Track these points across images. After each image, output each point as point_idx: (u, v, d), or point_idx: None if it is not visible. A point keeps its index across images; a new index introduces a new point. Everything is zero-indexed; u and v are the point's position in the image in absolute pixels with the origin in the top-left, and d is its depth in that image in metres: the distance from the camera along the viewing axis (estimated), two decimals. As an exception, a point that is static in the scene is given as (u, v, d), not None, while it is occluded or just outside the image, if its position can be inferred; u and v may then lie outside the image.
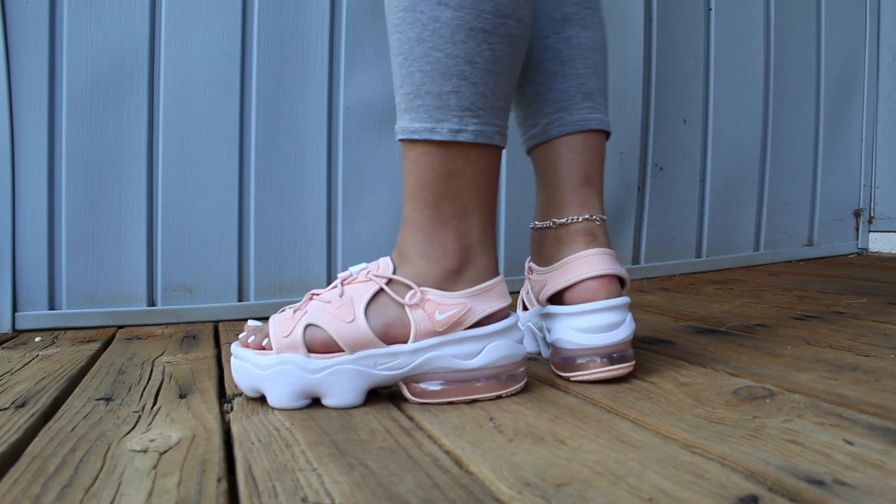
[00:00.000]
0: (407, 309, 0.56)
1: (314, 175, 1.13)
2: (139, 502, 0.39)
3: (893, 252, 1.63)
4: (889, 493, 0.36)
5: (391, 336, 0.56)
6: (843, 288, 1.13)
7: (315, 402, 0.57)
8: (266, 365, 0.56)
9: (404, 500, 0.38)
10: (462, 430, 0.50)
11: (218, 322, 1.07)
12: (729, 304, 1.03)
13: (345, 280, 0.59)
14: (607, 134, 0.69)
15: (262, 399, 0.58)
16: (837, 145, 1.64)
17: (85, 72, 1.01)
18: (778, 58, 1.53)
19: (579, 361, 0.61)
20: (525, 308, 0.77)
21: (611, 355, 0.60)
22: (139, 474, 0.43)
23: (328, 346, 0.56)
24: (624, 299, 0.62)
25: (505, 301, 0.59)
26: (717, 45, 1.46)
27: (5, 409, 0.58)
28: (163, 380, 0.69)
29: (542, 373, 0.66)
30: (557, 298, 0.65)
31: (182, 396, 0.62)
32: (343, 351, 0.56)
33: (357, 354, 0.56)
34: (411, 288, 0.56)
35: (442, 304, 0.56)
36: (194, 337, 0.94)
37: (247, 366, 0.57)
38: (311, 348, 0.56)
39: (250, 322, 0.62)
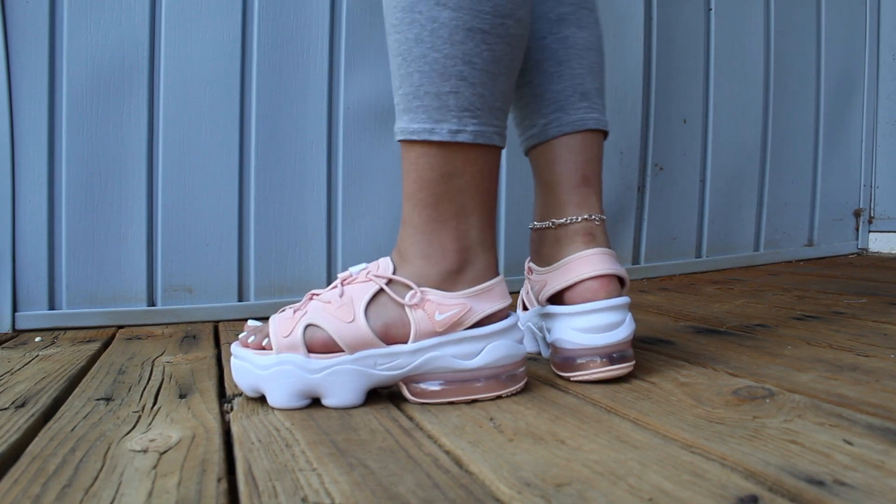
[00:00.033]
0: (407, 309, 0.56)
1: (314, 175, 1.13)
2: (139, 502, 0.39)
3: (893, 252, 1.63)
4: (889, 493, 0.36)
5: (391, 336, 0.56)
6: (843, 288, 1.13)
7: (315, 402, 0.57)
8: (266, 365, 0.56)
9: (404, 500, 0.38)
10: (462, 430, 0.50)
11: (218, 322, 1.07)
12: (729, 304, 1.03)
13: (345, 280, 0.59)
14: (605, 133, 0.69)
15: (262, 399, 0.58)
16: (837, 145, 1.64)
17: (85, 72, 1.01)
18: (778, 58, 1.53)
19: (579, 361, 0.61)
20: (525, 308, 0.77)
21: (611, 355, 0.60)
22: (139, 474, 0.43)
23: (328, 347, 0.56)
24: (624, 299, 0.62)
25: (505, 301, 0.59)
26: (717, 45, 1.46)
27: (5, 409, 0.58)
28: (163, 380, 0.69)
29: (542, 373, 0.66)
30: (557, 298, 0.65)
31: (182, 396, 0.62)
32: (343, 351, 0.56)
33: (357, 354, 0.56)
34: (411, 288, 0.56)
35: (442, 305, 0.56)
36: (194, 337, 0.94)
37: (247, 366, 0.57)
38: (311, 348, 0.56)
39: (250, 322, 0.62)
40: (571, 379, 0.62)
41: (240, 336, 0.61)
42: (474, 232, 0.58)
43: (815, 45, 1.59)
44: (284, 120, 1.11)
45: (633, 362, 0.62)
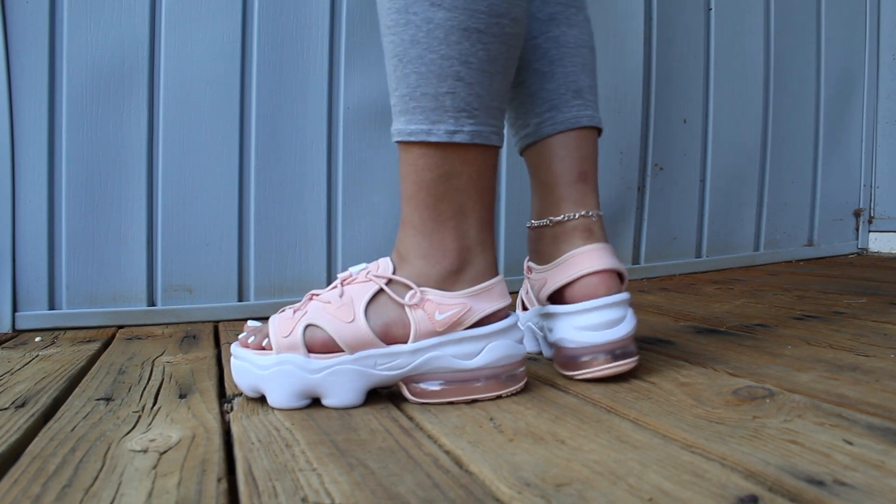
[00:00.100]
0: (407, 309, 0.56)
1: (314, 175, 1.13)
2: (139, 502, 0.39)
3: (893, 252, 1.63)
4: (889, 493, 0.36)
5: (391, 336, 0.56)
6: (843, 288, 1.13)
7: (315, 402, 0.57)
8: (266, 365, 0.56)
9: (404, 500, 0.38)
10: (462, 430, 0.50)
11: (218, 322, 1.07)
12: (729, 304, 1.03)
13: (344, 280, 0.59)
14: (599, 130, 0.69)
15: (262, 399, 0.58)
16: (837, 145, 1.64)
17: (85, 72, 1.01)
18: (778, 58, 1.53)
19: (583, 359, 0.61)
20: (525, 308, 0.77)
21: (613, 352, 0.60)
22: (139, 474, 0.43)
23: (328, 347, 0.56)
24: (625, 295, 0.62)
25: (505, 301, 0.59)
26: (717, 45, 1.46)
27: (5, 409, 0.58)
28: (163, 380, 0.69)
29: (542, 373, 0.66)
30: (558, 296, 0.65)
31: (182, 396, 0.62)
32: (343, 351, 0.56)
33: (357, 354, 0.56)
34: (411, 288, 0.56)
35: (442, 305, 0.56)
36: (194, 337, 0.94)
37: (247, 366, 0.57)
38: (311, 348, 0.56)
39: (250, 322, 0.62)
40: (576, 378, 0.61)
41: (239, 336, 0.61)
42: (473, 232, 0.58)
43: (815, 45, 1.59)
44: (284, 120, 1.11)
45: (637, 357, 0.62)
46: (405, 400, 0.58)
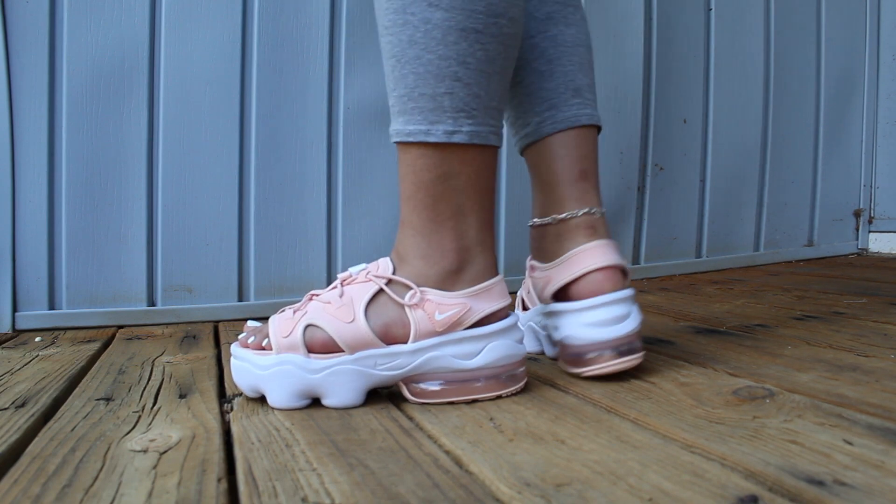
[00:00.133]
0: (407, 309, 0.56)
1: (314, 175, 1.13)
2: (139, 502, 0.39)
3: (893, 252, 1.63)
4: (889, 493, 0.36)
5: (391, 336, 0.56)
6: (843, 288, 1.13)
7: (315, 402, 0.57)
8: (266, 365, 0.56)
9: (404, 500, 0.38)
10: (462, 430, 0.50)
11: (218, 322, 1.07)
12: (729, 304, 1.03)
13: (344, 280, 0.59)
14: (598, 128, 0.70)
15: (262, 399, 0.58)
16: (837, 145, 1.64)
17: (85, 72, 1.01)
18: (778, 58, 1.53)
19: (589, 356, 0.61)
20: (525, 308, 0.77)
21: (619, 348, 0.60)
22: (139, 474, 0.43)
23: (328, 347, 0.56)
24: (630, 291, 0.63)
25: (504, 301, 0.59)
26: (717, 45, 1.46)
27: (5, 409, 0.58)
28: (163, 380, 0.69)
29: (542, 373, 0.66)
30: (562, 294, 0.65)
31: (182, 396, 0.62)
32: (343, 351, 0.56)
33: (357, 355, 0.56)
34: (411, 288, 0.56)
35: (442, 305, 0.56)
36: (194, 337, 0.94)
37: (247, 366, 0.57)
38: (311, 349, 0.56)
39: (250, 323, 0.62)
40: (583, 375, 0.62)
41: (239, 336, 0.61)
42: (473, 232, 0.58)
43: (815, 45, 1.59)
44: (284, 120, 1.11)
45: (643, 353, 0.62)
46: (405, 400, 0.58)
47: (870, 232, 1.67)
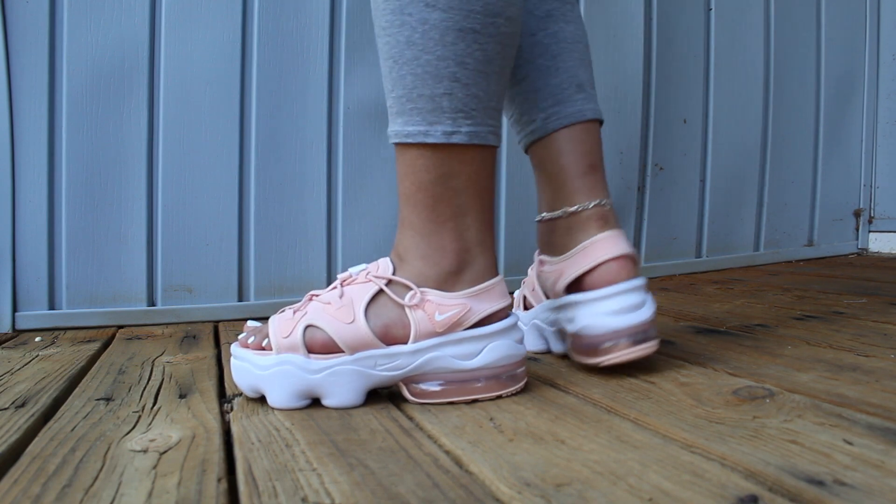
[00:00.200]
0: (407, 310, 0.56)
1: (314, 175, 1.13)
2: (139, 502, 0.39)
3: (893, 252, 1.63)
4: (889, 493, 0.36)
5: (391, 337, 0.56)
6: (843, 288, 1.13)
7: (315, 402, 0.57)
8: (266, 365, 0.56)
9: (404, 500, 0.38)
10: (462, 430, 0.50)
11: (218, 322, 1.07)
12: (729, 304, 1.03)
13: (344, 281, 0.59)
14: (601, 122, 0.71)
15: (262, 399, 0.58)
16: (837, 145, 1.64)
17: (85, 72, 1.01)
18: (778, 58, 1.53)
19: (605, 346, 0.61)
20: (526, 307, 0.77)
21: (635, 336, 0.61)
22: (139, 474, 0.43)
23: (328, 347, 0.56)
24: (644, 279, 0.64)
25: (505, 301, 0.59)
26: (717, 45, 1.46)
27: (5, 409, 0.58)
28: (163, 380, 0.69)
29: (542, 373, 0.66)
30: (575, 286, 0.65)
31: (182, 396, 0.62)
32: (343, 352, 0.56)
33: (357, 355, 0.56)
34: (411, 289, 0.56)
35: (442, 305, 0.56)
36: (194, 337, 0.94)
37: (246, 366, 0.57)
38: (311, 349, 0.56)
39: (250, 323, 0.62)
40: (601, 364, 0.62)
41: (239, 337, 0.61)
42: (473, 232, 0.58)
43: (815, 45, 1.59)
44: (284, 120, 1.11)
45: (658, 340, 0.63)
46: (405, 400, 0.58)
47: (870, 232, 1.67)
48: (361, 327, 0.55)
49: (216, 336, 0.95)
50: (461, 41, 0.54)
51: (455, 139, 0.55)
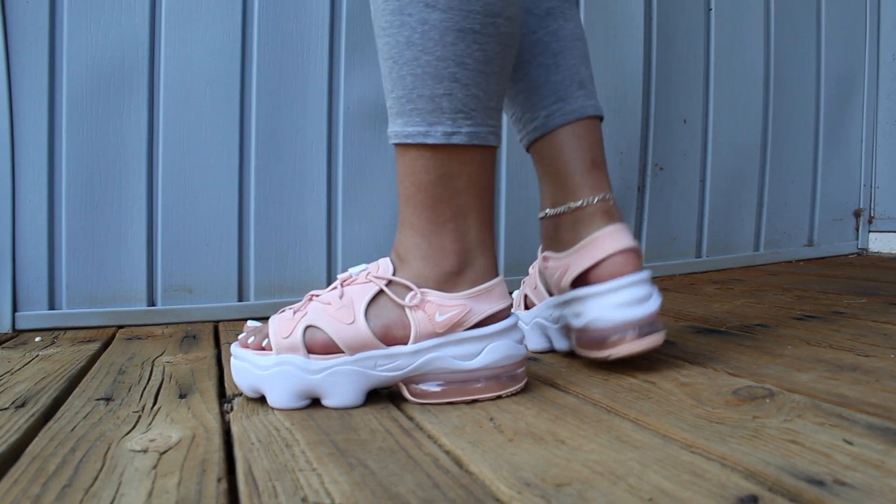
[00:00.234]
0: (407, 310, 0.56)
1: (314, 175, 1.13)
2: (139, 502, 0.39)
3: (893, 252, 1.63)
4: (889, 493, 0.36)
5: (391, 337, 0.56)
6: (843, 288, 1.13)
7: (315, 402, 0.57)
8: (266, 365, 0.56)
9: (404, 500, 0.38)
10: (462, 430, 0.50)
11: (218, 322, 1.07)
12: (729, 304, 1.03)
13: (344, 281, 0.59)
14: (602, 118, 0.72)
15: (262, 399, 0.58)
16: (837, 145, 1.64)
17: (85, 72, 1.01)
18: (778, 58, 1.53)
19: (613, 339, 0.62)
20: (527, 307, 0.77)
21: (642, 328, 0.61)
22: (139, 474, 0.43)
23: (328, 348, 0.56)
24: (649, 272, 0.65)
25: (505, 301, 0.59)
26: (717, 45, 1.46)
27: (5, 409, 0.58)
28: (163, 380, 0.69)
29: (542, 373, 0.66)
30: (581, 280, 0.66)
31: (182, 396, 0.62)
32: (343, 352, 0.56)
33: (357, 356, 0.56)
34: (411, 289, 0.56)
35: (442, 306, 0.56)
36: (194, 337, 0.94)
37: (246, 366, 0.57)
38: (311, 349, 0.56)
39: (250, 323, 0.62)
40: (609, 358, 0.62)
41: (239, 336, 0.61)
42: (473, 233, 0.58)
43: (815, 45, 1.59)
44: (284, 120, 1.11)
45: (664, 332, 0.63)
46: (405, 400, 0.58)
47: (870, 232, 1.67)
48: (361, 328, 0.55)
49: (216, 336, 0.95)
50: (461, 41, 0.54)
51: (455, 140, 0.55)
